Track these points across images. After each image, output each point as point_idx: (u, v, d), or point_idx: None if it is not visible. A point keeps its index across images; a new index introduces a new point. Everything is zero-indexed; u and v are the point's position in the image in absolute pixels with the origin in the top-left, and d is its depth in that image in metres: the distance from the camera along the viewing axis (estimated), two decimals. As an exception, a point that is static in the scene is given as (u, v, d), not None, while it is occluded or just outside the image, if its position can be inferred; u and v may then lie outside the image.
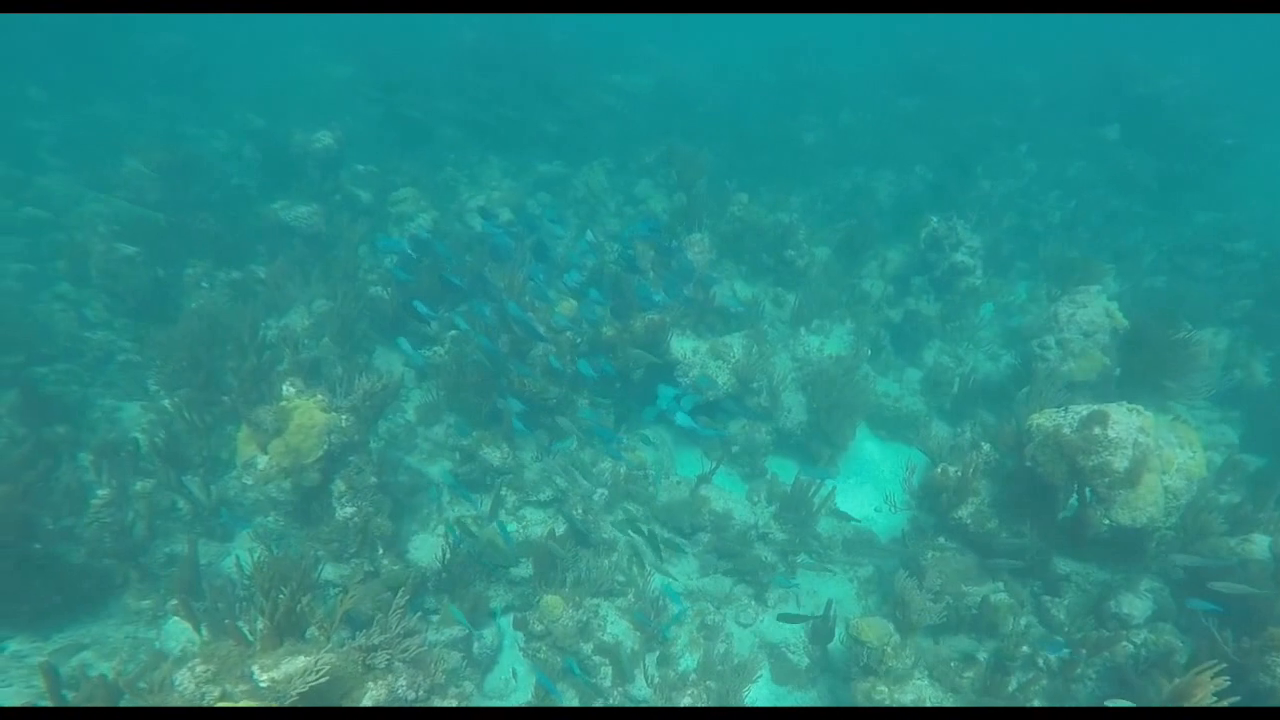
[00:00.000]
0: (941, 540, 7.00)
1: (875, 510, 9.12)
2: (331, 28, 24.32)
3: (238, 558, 5.78)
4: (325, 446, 5.16)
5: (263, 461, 5.09)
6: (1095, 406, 6.02)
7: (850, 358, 9.69)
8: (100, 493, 5.39)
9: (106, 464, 5.61)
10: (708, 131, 18.17)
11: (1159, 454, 6.01)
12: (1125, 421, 5.82)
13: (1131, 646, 6.05)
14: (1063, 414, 6.15)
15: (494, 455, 7.28)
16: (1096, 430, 5.79)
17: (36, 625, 5.39)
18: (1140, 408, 5.96)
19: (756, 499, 8.58)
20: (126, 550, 5.41)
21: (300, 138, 12.73)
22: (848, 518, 7.28)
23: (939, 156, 15.88)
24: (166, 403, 6.29)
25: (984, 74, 19.36)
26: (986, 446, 6.85)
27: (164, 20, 21.07)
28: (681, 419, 7.11)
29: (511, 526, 7.08)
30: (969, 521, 6.70)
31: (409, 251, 8.65)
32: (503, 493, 7.20)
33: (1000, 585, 6.84)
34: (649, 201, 14.75)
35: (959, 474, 6.62)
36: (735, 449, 9.22)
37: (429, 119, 16.54)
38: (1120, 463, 5.70)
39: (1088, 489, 5.99)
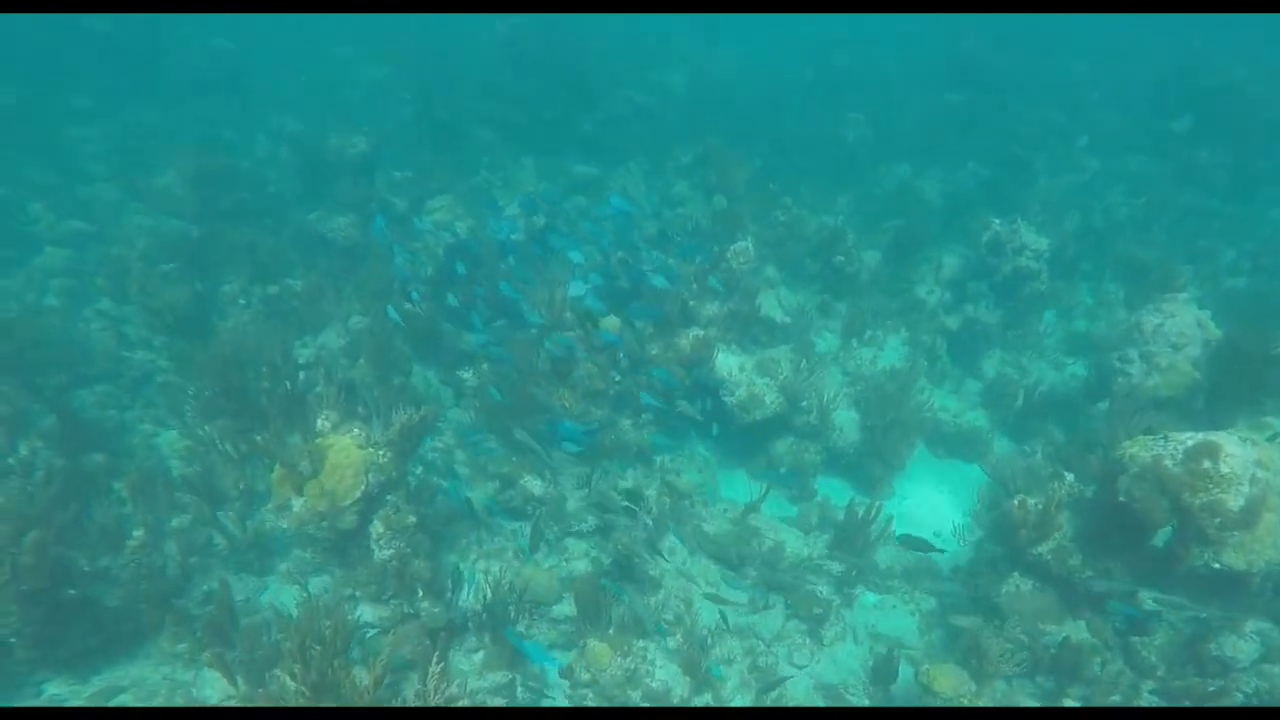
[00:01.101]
0: (1017, 576, 6.48)
1: (934, 535, 8.62)
2: (366, 29, 24.26)
3: (274, 604, 5.59)
4: (363, 487, 4.92)
5: (298, 504, 4.86)
6: (1203, 436, 5.44)
7: (906, 372, 9.17)
8: (136, 533, 5.23)
9: (142, 500, 5.45)
10: (744, 130, 17.62)
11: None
12: (1240, 454, 5.24)
13: (1241, 695, 5.50)
14: (1162, 443, 5.59)
15: (534, 484, 6.98)
16: (1206, 464, 5.23)
17: (74, 667, 5.26)
18: (1256, 437, 5.38)
19: (808, 525, 8.16)
20: (162, 593, 5.25)
21: (335, 142, 12.58)
22: (926, 546, 6.79)
23: (991, 152, 15.12)
24: (202, 431, 6.12)
25: (1033, 66, 18.42)
26: (1070, 477, 6.31)
27: (202, 22, 21.17)
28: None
29: (553, 560, 6.79)
30: (1050, 558, 6.19)
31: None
32: (543, 524, 6.90)
33: (1083, 624, 6.32)
34: (686, 204, 14.30)
35: (1040, 507, 6.10)
36: (782, 470, 8.80)
37: (463, 121, 16.32)
38: (1235, 501, 5.14)
39: (1190, 527, 5.44)
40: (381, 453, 5.15)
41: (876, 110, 17.72)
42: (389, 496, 5.19)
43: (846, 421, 8.84)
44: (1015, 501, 6.22)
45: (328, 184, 11.78)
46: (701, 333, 7.93)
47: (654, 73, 19.74)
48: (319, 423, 5.13)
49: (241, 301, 8.76)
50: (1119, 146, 15.12)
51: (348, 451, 4.96)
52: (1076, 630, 6.31)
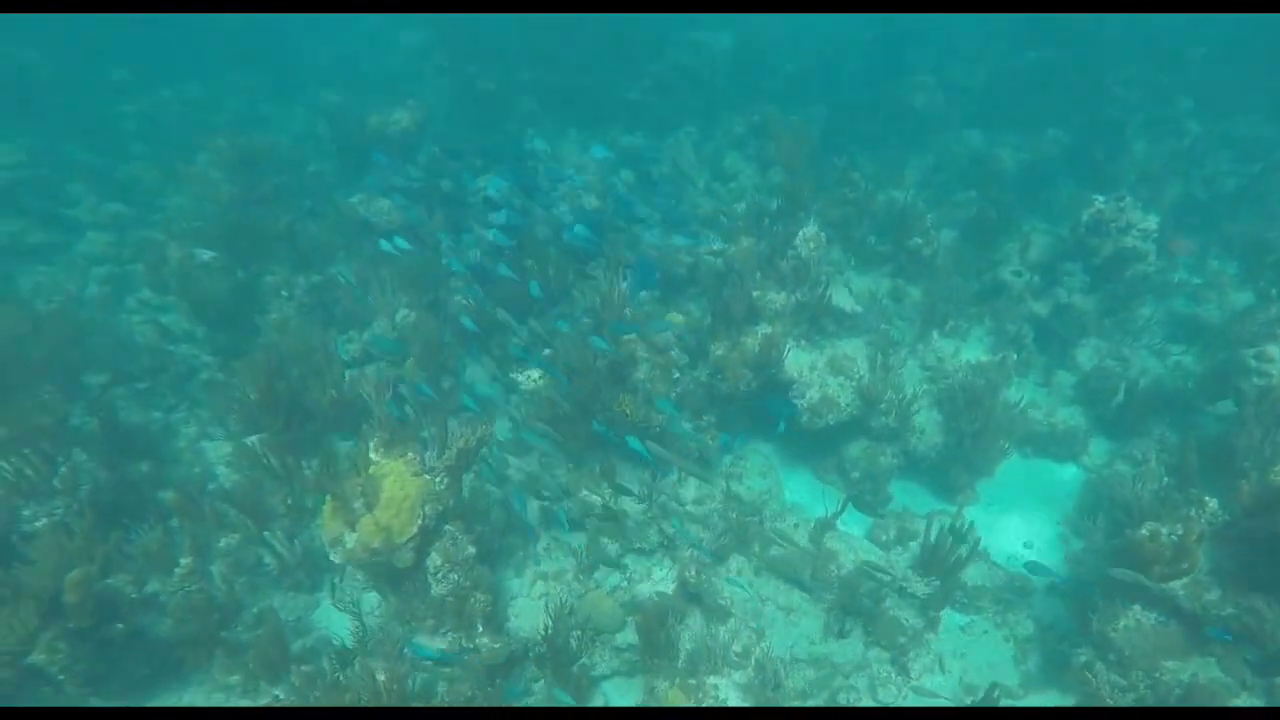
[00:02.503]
0: (1138, 608, 5.79)
1: (1025, 547, 7.94)
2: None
3: (332, 641, 5.25)
4: (419, 521, 4.48)
5: (351, 540, 4.46)
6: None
7: (995, 368, 8.37)
8: (184, 560, 4.91)
9: (189, 520, 5.13)
10: (797, 95, 16.52)
11: None
12: None
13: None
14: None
15: (593, 498, 6.50)
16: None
17: (126, 696, 5.02)
18: None
19: (885, 537, 7.56)
20: (212, 622, 4.94)
21: (376, 120, 12.05)
22: (1044, 571, 6.13)
23: (1075, 117, 13.83)
24: (248, 443, 5.75)
25: (1125, 19, 16.78)
26: (1213, 503, 5.56)
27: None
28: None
29: (614, 579, 6.33)
30: (1180, 592, 5.49)
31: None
32: (603, 540, 6.44)
33: (1213, 660, 5.64)
34: (740, 177, 13.47)
35: (1175, 539, 5.37)
36: (855, 475, 8.17)
37: (506, 90, 15.54)
38: None
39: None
40: (438, 479, 4.69)
41: (945, 71, 16.44)
42: (446, 526, 4.75)
43: (927, 423, 8.13)
44: (1145, 531, 5.50)
45: (370, 164, 11.27)
46: (770, 330, 7.27)
47: (700, 32, 18.62)
48: (370, 450, 4.69)
49: (284, 294, 8.36)
50: (1226, 108, 13.66)
51: (403, 481, 4.52)
52: (1206, 668, 5.64)
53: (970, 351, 8.91)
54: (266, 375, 5.58)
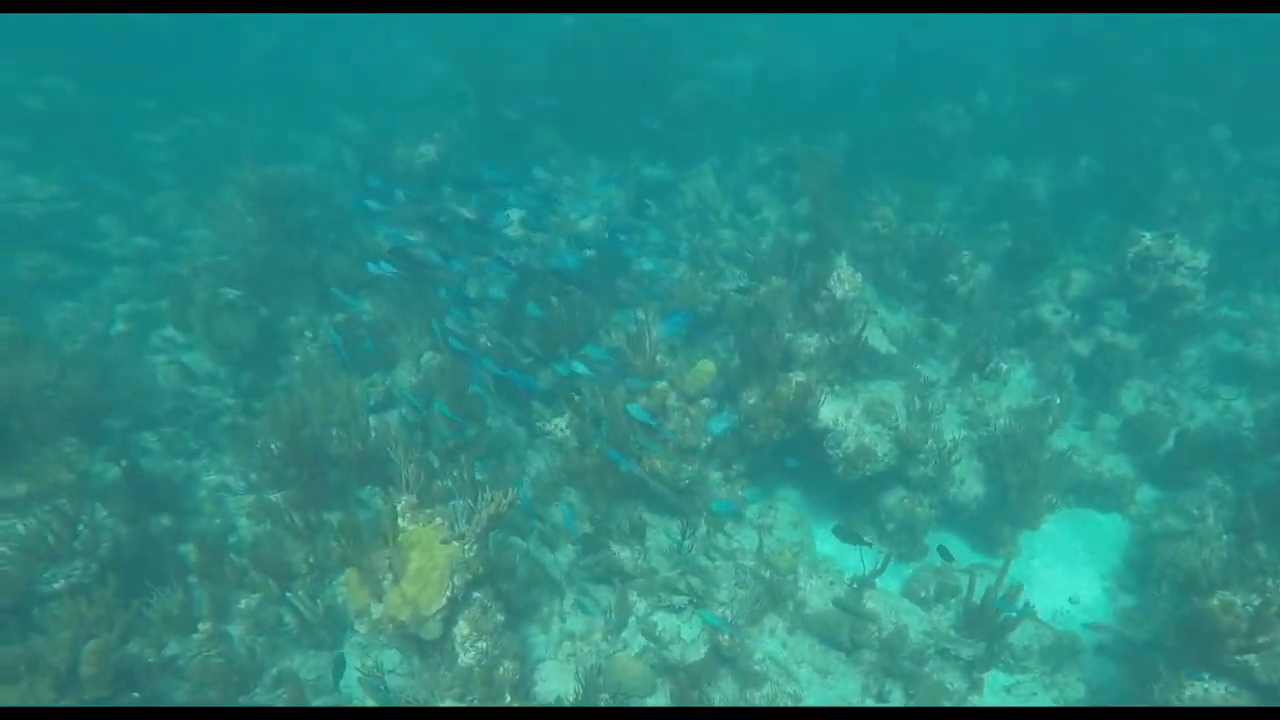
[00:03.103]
0: (1207, 678, 5.43)
1: (1071, 602, 7.59)
2: (423, 20, 23.69)
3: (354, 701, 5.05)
4: (448, 592, 4.28)
5: (378, 611, 4.26)
6: None
7: (1038, 413, 8.06)
8: (202, 626, 4.75)
9: (209, 585, 4.97)
10: (820, 122, 16.33)
11: None
12: None
13: None
14: None
15: (623, 554, 6.27)
16: None
17: (136, 765, 4.79)
18: None
19: (923, 592, 7.24)
20: (231, 686, 4.75)
21: (402, 152, 12.05)
22: (1108, 630, 5.78)
23: (1109, 146, 13.54)
24: (270, 499, 5.61)
25: (1154, 43, 16.52)
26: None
27: (264, 21, 20.94)
28: None
29: (642, 641, 6.07)
30: (1256, 664, 5.13)
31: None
32: (631, 598, 6.19)
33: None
34: (764, 209, 13.29)
35: (1250, 609, 5.03)
36: (890, 527, 7.87)
37: (527, 119, 15.53)
38: None
39: None
40: (468, 547, 4.49)
41: (970, 98, 16.23)
42: (475, 594, 4.55)
43: (967, 471, 7.83)
44: (1216, 602, 5.16)
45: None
46: (804, 377, 7.03)
47: (719, 61, 18.58)
48: (398, 515, 4.51)
49: (308, 334, 8.27)
50: (1264, 135, 13.32)
51: (431, 551, 4.33)
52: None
53: (1012, 394, 8.60)
54: (291, 428, 5.43)
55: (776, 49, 19.09)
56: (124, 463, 5.85)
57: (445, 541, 4.43)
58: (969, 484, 7.79)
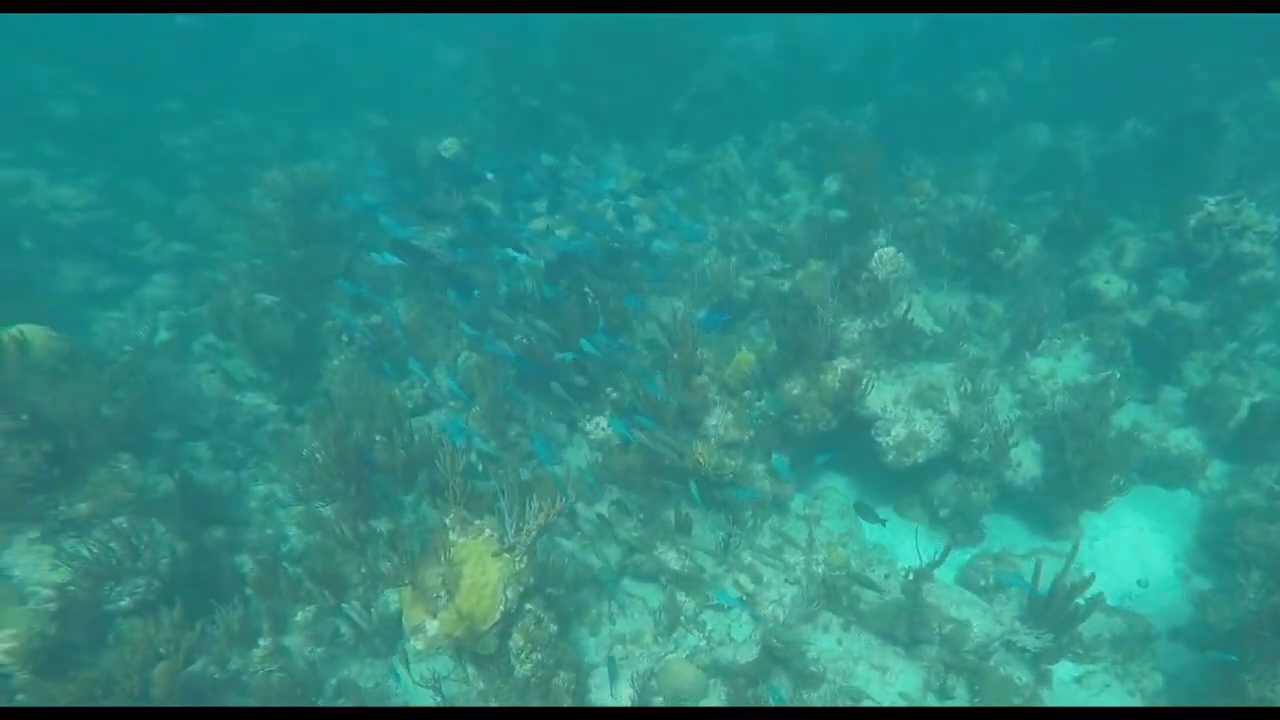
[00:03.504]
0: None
1: (1139, 585, 7.33)
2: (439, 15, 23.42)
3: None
4: (502, 607, 4.23)
5: (433, 628, 4.23)
6: None
7: (1098, 389, 7.74)
8: (263, 642, 4.79)
9: (266, 599, 5.00)
10: (846, 95, 15.84)
11: None
12: None
13: None
14: None
15: (668, 554, 6.18)
16: None
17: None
18: None
19: (983, 580, 7.04)
20: (294, 700, 4.79)
21: (426, 146, 11.94)
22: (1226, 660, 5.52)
23: (1157, 107, 12.89)
24: (320, 509, 5.62)
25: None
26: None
27: (282, 18, 20.87)
28: None
29: (692, 641, 5.99)
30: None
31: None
32: (680, 597, 6.11)
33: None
34: (792, 188, 12.93)
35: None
36: (944, 512, 7.67)
37: (548, 106, 15.28)
38: None
39: None
40: (518, 559, 4.43)
41: (1003, 63, 15.56)
42: (528, 606, 4.49)
43: (1024, 453, 7.57)
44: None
45: (420, 191, 11.16)
46: (850, 364, 6.82)
47: (738, 36, 18.07)
48: (448, 529, 4.45)
49: (344, 338, 8.27)
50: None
51: (483, 565, 4.27)
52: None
53: (1068, 370, 8.29)
54: (334, 438, 5.41)
55: (797, 21, 18.51)
56: (177, 476, 5.91)
57: (496, 554, 4.37)
58: (1026, 466, 7.53)
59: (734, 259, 9.52)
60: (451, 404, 7.32)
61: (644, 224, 10.28)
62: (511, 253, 7.76)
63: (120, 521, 5.12)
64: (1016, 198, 12.42)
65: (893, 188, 10.63)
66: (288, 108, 18.35)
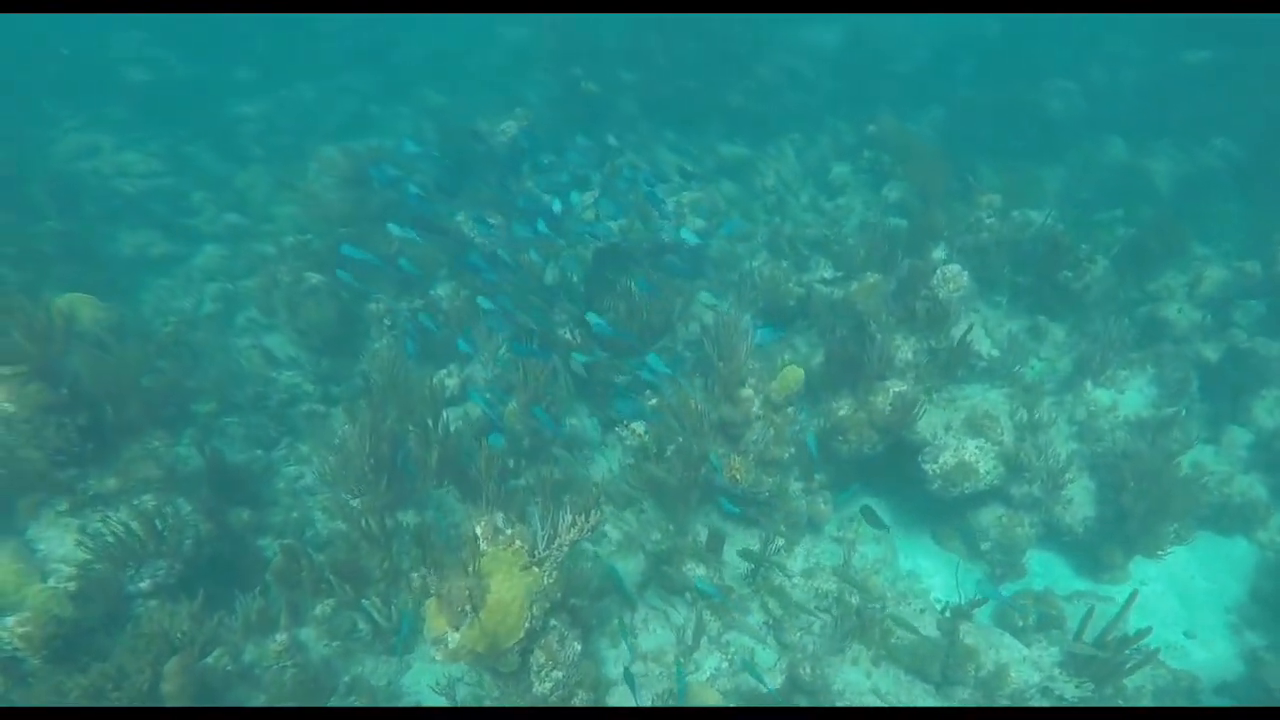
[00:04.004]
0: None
1: (1186, 636, 6.90)
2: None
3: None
4: (527, 624, 4.09)
5: (454, 640, 4.11)
6: None
7: (1163, 428, 7.26)
8: (279, 637, 4.76)
9: (286, 590, 4.96)
10: (912, 96, 15.25)
11: None
12: None
13: None
14: None
15: (697, 570, 5.98)
16: None
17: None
18: None
19: (1022, 621, 6.68)
20: (307, 697, 4.74)
21: (484, 128, 11.80)
22: None
23: (1250, 124, 12.06)
24: (347, 502, 5.57)
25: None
26: None
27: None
28: None
29: (714, 661, 5.79)
30: None
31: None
32: (705, 615, 5.91)
33: None
34: (848, 191, 12.48)
35: None
36: (985, 545, 7.31)
37: (607, 92, 15.00)
38: None
39: None
40: (548, 574, 4.29)
41: (1086, 73, 14.73)
42: (552, 622, 4.35)
43: (1077, 489, 7.15)
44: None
45: (474, 175, 11.04)
46: (903, 387, 6.49)
47: (804, 30, 17.50)
48: (477, 535, 4.33)
49: (386, 322, 8.24)
50: None
51: (511, 580, 4.13)
52: None
53: (1131, 403, 7.80)
54: (369, 431, 5.34)
55: (865, 18, 17.84)
56: (208, 453, 5.93)
57: (525, 568, 4.23)
58: (1078, 504, 7.12)
59: (785, 264, 9.17)
60: (488, 395, 7.20)
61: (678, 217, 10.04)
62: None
63: (147, 499, 5.14)
64: (1085, 214, 11.76)
65: (954, 196, 10.16)
66: (352, 79, 18.33)
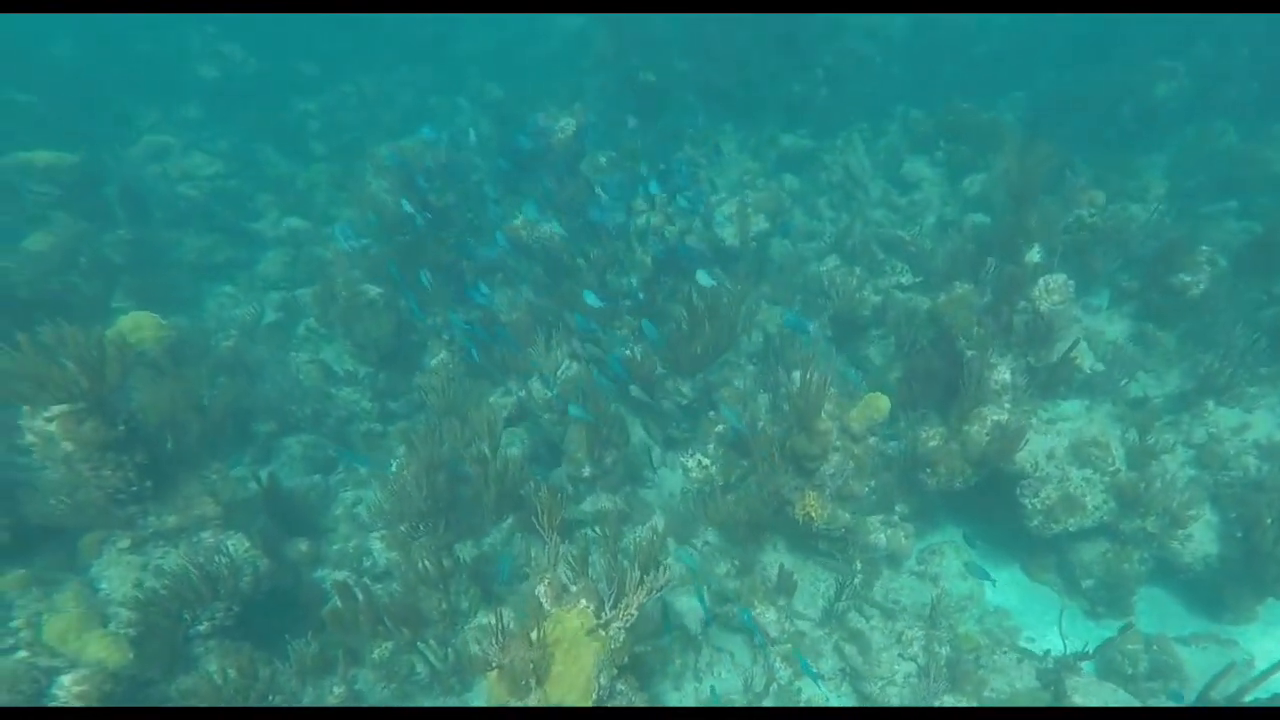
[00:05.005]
0: None
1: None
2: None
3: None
4: (594, 695, 3.75)
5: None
6: None
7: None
8: (337, 690, 4.57)
9: (342, 634, 4.76)
10: (988, 81, 14.19)
11: None
12: None
13: None
14: None
15: (767, 614, 5.54)
16: None
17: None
18: None
19: (1131, 668, 6.01)
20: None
21: (541, 122, 11.43)
22: None
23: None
24: (403, 535, 5.34)
25: None
26: None
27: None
28: None
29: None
30: None
31: None
32: (775, 661, 5.48)
33: None
34: (923, 186, 11.64)
35: None
36: (1088, 583, 6.62)
37: (666, 82, 14.42)
38: None
39: None
40: (615, 637, 3.93)
41: (1191, 52, 13.35)
42: (619, 686, 4.00)
43: (1198, 523, 6.39)
44: None
45: (531, 176, 10.69)
46: (1003, 416, 5.85)
47: (870, 16, 16.48)
48: (541, 590, 4.01)
49: (445, 336, 8.01)
50: None
51: (577, 649, 3.78)
52: None
53: (1263, 426, 6.94)
54: (425, 472, 5.09)
55: (936, -1, 16.64)
56: (266, 484, 5.79)
57: (590, 631, 3.88)
58: (1198, 540, 6.36)
59: (858, 270, 8.54)
60: (546, 416, 6.89)
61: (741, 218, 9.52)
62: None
63: (206, 536, 5.03)
64: (1191, 206, 10.69)
65: (1047, 191, 9.30)
66: (411, 73, 18.31)
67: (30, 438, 4.40)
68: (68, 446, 4.40)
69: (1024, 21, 15.00)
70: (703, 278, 7.07)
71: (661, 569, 4.06)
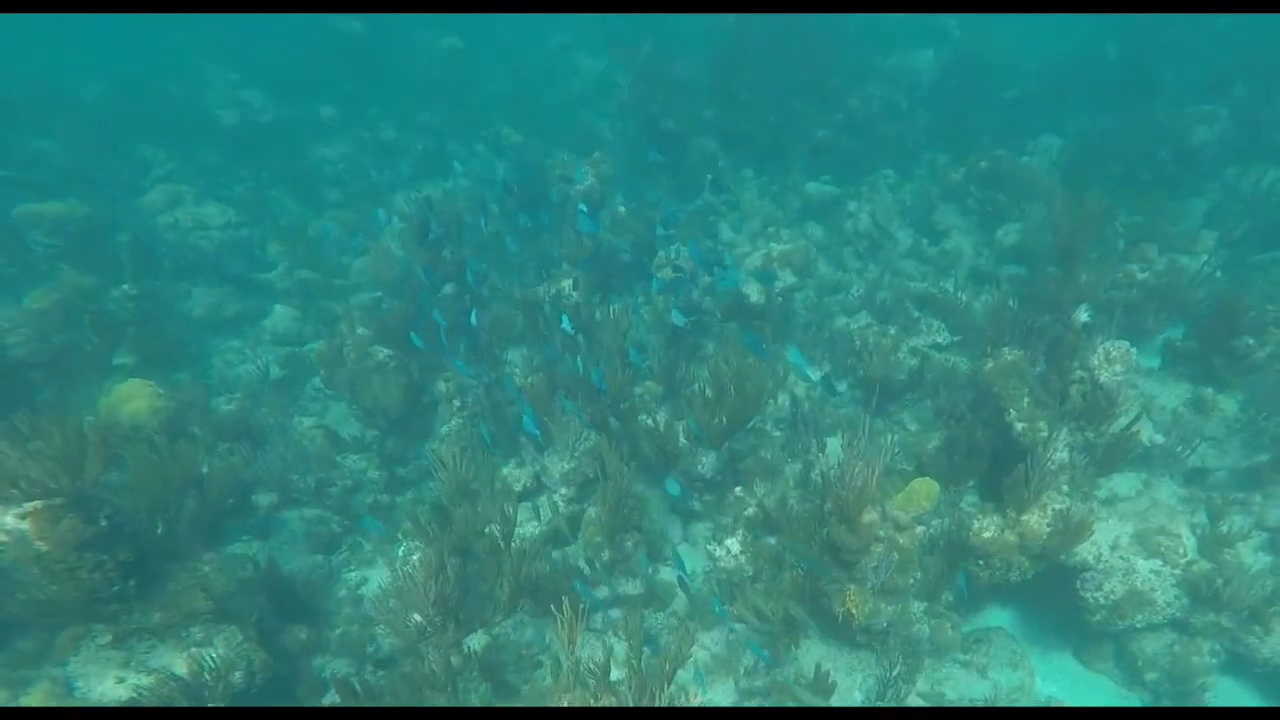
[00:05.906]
0: None
1: None
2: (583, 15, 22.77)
3: None
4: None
5: None
6: None
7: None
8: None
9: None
10: (1019, 125, 13.89)
11: None
12: None
13: None
14: None
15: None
16: None
17: None
18: None
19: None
20: None
21: (559, 174, 11.25)
22: None
23: None
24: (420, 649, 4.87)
25: None
26: None
27: (438, 21, 20.82)
28: None
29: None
30: None
31: None
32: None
33: None
34: (953, 235, 11.26)
35: None
36: (1151, 676, 6.00)
37: (686, 129, 14.22)
38: None
39: None
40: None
41: (1229, 94, 12.95)
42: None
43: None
44: None
45: (551, 227, 10.42)
46: (1066, 504, 5.33)
47: (896, 54, 16.30)
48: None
49: (456, 403, 7.62)
50: None
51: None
52: None
53: (1340, 510, 6.36)
54: (436, 565, 4.65)
55: (965, 38, 16.48)
56: (264, 567, 5.38)
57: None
58: (1277, 634, 5.74)
59: (893, 330, 8.11)
60: (562, 491, 6.45)
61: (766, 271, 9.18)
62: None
63: (195, 632, 4.60)
64: (1240, 256, 10.21)
65: (1093, 243, 8.87)
66: (431, 117, 18.26)
67: (0, 536, 4.03)
68: (41, 546, 4.02)
69: (1053, 65, 14.73)
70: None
71: (694, 691, 3.57)
